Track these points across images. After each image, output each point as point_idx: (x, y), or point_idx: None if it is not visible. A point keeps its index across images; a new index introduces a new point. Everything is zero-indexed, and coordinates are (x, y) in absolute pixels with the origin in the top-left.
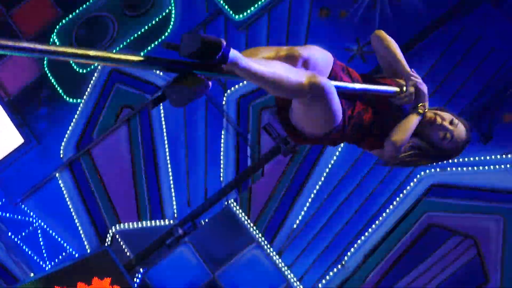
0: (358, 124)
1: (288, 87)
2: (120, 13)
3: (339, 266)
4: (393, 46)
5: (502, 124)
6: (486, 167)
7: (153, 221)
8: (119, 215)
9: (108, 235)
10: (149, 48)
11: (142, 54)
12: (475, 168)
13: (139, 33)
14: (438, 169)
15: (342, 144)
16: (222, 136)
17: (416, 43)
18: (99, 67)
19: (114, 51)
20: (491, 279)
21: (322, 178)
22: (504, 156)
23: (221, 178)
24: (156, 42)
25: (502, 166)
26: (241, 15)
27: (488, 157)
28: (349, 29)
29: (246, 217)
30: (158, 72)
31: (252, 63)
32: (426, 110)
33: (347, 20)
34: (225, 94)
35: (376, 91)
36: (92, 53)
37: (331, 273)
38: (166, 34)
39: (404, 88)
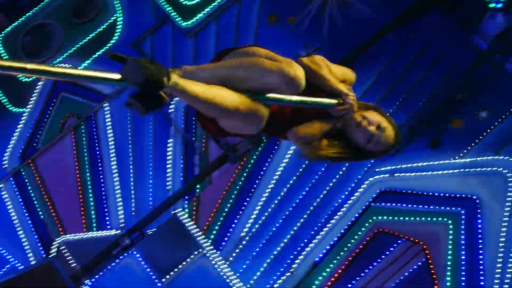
0: (280, 117)
1: (223, 111)
2: (67, 21)
3: (288, 274)
4: (319, 71)
5: (451, 129)
6: (435, 172)
7: (99, 232)
8: (65, 226)
9: (53, 247)
10: (95, 55)
11: (82, 66)
12: (424, 173)
13: (86, 40)
14: (387, 175)
15: (291, 152)
16: (170, 144)
17: (366, 48)
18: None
19: (62, 58)
20: (439, 284)
21: (271, 186)
22: (452, 161)
23: (169, 187)
24: (102, 50)
25: (450, 171)
26: (188, 22)
27: (436, 163)
28: (298, 35)
29: (193, 226)
30: None
31: (189, 86)
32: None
33: (296, 26)
34: (172, 102)
35: (313, 105)
36: (30, 66)
37: (279, 281)
38: (113, 41)
39: (342, 101)
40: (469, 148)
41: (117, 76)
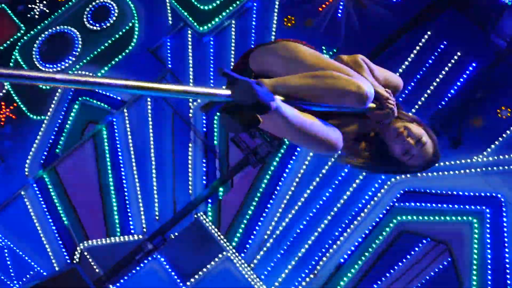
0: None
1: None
2: (83, 28)
3: (312, 276)
4: (359, 71)
5: (471, 129)
6: (457, 172)
7: (122, 237)
8: (87, 232)
9: (76, 253)
10: (113, 62)
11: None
12: (446, 173)
13: (103, 47)
14: (408, 175)
15: (311, 154)
16: (190, 149)
17: (383, 50)
18: None
19: (80, 65)
20: (465, 283)
21: (292, 188)
22: (474, 160)
23: (190, 191)
24: (120, 56)
25: (473, 170)
26: (205, 27)
27: (458, 162)
28: (315, 37)
29: (216, 230)
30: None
31: (287, 111)
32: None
33: (313, 29)
34: (192, 106)
35: (349, 109)
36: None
37: (303, 283)
38: (130, 47)
39: (380, 105)
40: (491, 146)
41: (226, 92)
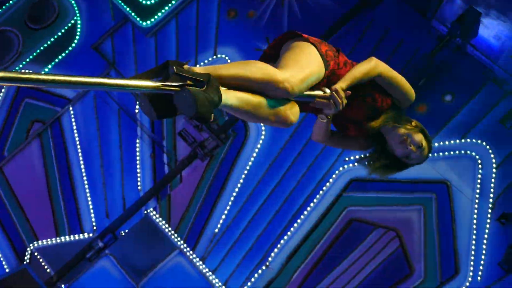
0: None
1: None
2: (24, 27)
3: (264, 268)
4: (358, 69)
5: (416, 115)
6: None
7: (72, 236)
8: (37, 232)
9: (26, 253)
10: (56, 60)
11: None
12: None
13: (46, 45)
14: (356, 164)
15: (259, 146)
16: (137, 145)
17: (327, 39)
18: None
19: (23, 64)
20: (415, 269)
21: (241, 181)
22: None
23: (139, 188)
24: (63, 54)
25: None
26: (148, 22)
27: None
28: (258, 28)
29: (166, 225)
30: None
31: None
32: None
33: (256, 20)
34: (137, 102)
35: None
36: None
37: (256, 275)
38: (73, 44)
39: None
40: (436, 132)
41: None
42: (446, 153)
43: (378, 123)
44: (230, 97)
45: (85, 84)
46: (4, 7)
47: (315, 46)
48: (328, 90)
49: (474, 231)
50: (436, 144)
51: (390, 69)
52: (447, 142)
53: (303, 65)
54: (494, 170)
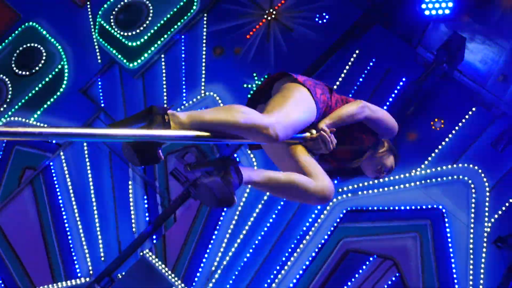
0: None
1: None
2: (12, 73)
3: None
4: (345, 110)
5: (407, 143)
6: (397, 187)
7: (68, 281)
8: (33, 280)
9: None
10: (45, 105)
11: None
12: (386, 189)
13: (34, 91)
14: (350, 194)
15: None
16: (130, 187)
17: (314, 72)
18: None
19: (12, 111)
20: None
21: (235, 217)
22: (412, 173)
23: (134, 229)
24: (52, 99)
25: (412, 184)
26: (135, 63)
27: (397, 177)
28: (245, 64)
29: (163, 266)
30: None
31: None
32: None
33: (242, 57)
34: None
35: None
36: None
37: None
38: (61, 89)
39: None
40: (428, 159)
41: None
42: (439, 179)
43: (361, 160)
44: (254, 174)
45: (76, 135)
46: None
47: (309, 90)
48: (314, 131)
49: (471, 256)
50: (428, 171)
51: (377, 109)
52: (439, 168)
53: (291, 109)
54: (487, 194)
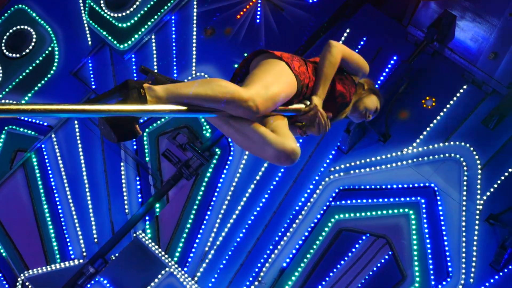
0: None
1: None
2: (2, 56)
3: (256, 283)
4: (327, 65)
5: (399, 121)
6: (388, 166)
7: (62, 263)
8: (27, 262)
9: (17, 284)
10: (36, 88)
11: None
12: (378, 167)
13: (24, 74)
14: (342, 174)
15: (243, 161)
16: (122, 168)
17: (304, 51)
18: None
19: (2, 94)
20: (407, 275)
21: (228, 197)
22: (404, 152)
23: (127, 211)
24: (43, 81)
25: (404, 163)
26: (125, 44)
27: (389, 155)
28: (236, 45)
29: (156, 247)
30: None
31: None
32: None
33: (233, 37)
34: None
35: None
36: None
37: None
38: (52, 71)
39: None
40: (419, 137)
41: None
42: (431, 157)
43: (345, 113)
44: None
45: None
46: None
47: (287, 63)
48: (308, 102)
49: (464, 234)
50: (420, 149)
51: (345, 47)
52: (430, 146)
53: (270, 82)
54: (479, 172)
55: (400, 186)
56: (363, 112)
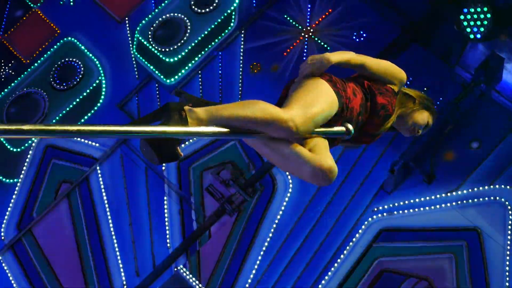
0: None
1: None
2: (50, 88)
3: None
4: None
5: (444, 163)
6: (433, 207)
7: None
8: None
9: None
10: (82, 120)
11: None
12: (422, 209)
13: (71, 106)
14: (385, 214)
15: (287, 199)
16: (165, 202)
17: None
18: (33, 144)
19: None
20: None
21: (270, 234)
22: (449, 194)
23: (168, 244)
24: (89, 114)
25: (448, 205)
26: (172, 79)
27: (433, 197)
28: (282, 81)
29: (197, 282)
30: (94, 143)
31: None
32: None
33: (280, 73)
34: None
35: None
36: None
37: None
38: (99, 104)
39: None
40: (464, 179)
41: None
42: (475, 200)
43: (389, 124)
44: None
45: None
46: (29, 69)
47: (328, 82)
48: (350, 126)
49: (507, 278)
50: (465, 191)
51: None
52: (475, 189)
53: (311, 101)
54: None
55: (443, 228)
56: (412, 128)
